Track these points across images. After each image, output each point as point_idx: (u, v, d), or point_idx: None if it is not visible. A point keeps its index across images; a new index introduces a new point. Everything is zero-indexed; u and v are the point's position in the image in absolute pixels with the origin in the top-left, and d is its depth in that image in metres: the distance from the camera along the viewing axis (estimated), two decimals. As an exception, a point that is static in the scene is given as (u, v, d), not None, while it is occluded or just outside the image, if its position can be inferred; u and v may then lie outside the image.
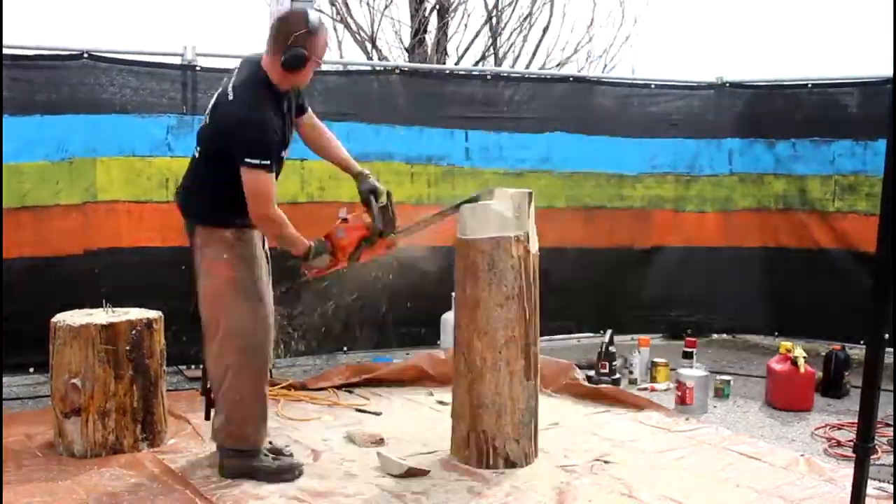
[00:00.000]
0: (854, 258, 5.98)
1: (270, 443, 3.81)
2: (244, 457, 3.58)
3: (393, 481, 3.60)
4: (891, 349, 5.08)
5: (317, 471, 3.70)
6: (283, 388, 4.95)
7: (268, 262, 3.69)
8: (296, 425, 4.34)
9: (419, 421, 4.46)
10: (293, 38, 3.33)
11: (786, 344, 5.05)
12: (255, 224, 3.44)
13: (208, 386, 3.75)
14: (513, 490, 3.53)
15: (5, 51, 4.73)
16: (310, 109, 3.74)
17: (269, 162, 3.29)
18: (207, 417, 3.82)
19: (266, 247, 3.70)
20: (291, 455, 3.78)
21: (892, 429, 4.21)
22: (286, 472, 3.59)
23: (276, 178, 3.43)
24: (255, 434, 3.60)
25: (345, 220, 3.64)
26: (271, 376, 3.82)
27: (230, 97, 3.36)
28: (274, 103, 3.39)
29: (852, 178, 6.05)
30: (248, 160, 3.26)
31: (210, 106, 3.49)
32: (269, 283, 3.67)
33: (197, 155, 3.56)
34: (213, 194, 3.46)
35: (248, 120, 3.28)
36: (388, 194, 3.65)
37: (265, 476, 3.55)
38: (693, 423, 4.45)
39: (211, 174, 3.46)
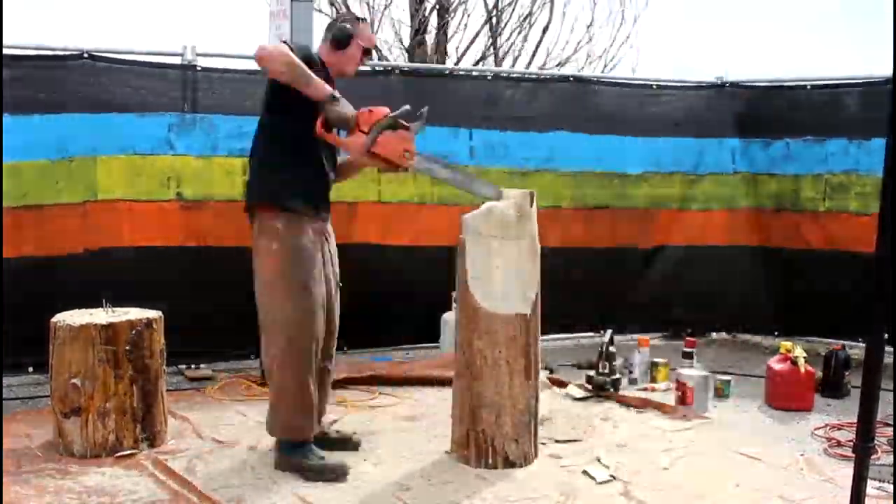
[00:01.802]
0: (853, 258, 5.98)
1: (337, 432, 3.98)
2: (293, 451, 3.63)
3: (391, 482, 3.60)
4: (891, 349, 5.10)
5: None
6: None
7: (330, 258, 3.76)
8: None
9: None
10: (339, 18, 3.80)
11: (786, 344, 5.04)
12: (256, 56, 3.33)
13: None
14: (511, 490, 3.53)
15: (5, 51, 4.74)
16: None
17: (294, 49, 3.37)
18: None
19: (332, 245, 3.77)
20: (359, 442, 3.91)
21: (891, 428, 4.21)
22: (331, 473, 3.59)
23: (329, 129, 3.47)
24: (300, 426, 3.63)
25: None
26: (328, 374, 3.86)
27: None
28: (325, 70, 3.58)
29: (843, 177, 6.05)
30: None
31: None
32: (322, 277, 3.66)
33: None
34: (268, 164, 3.57)
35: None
36: (422, 112, 3.60)
37: (311, 475, 3.57)
38: (693, 423, 4.45)
39: (263, 141, 3.60)
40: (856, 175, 5.98)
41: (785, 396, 4.83)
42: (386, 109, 3.50)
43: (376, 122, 3.44)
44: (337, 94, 3.40)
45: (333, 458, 3.69)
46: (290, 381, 3.58)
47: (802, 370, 4.80)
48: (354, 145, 3.48)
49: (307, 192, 3.60)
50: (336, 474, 3.59)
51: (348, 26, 3.64)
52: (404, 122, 3.51)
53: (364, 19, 3.84)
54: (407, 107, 3.53)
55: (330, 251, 3.76)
